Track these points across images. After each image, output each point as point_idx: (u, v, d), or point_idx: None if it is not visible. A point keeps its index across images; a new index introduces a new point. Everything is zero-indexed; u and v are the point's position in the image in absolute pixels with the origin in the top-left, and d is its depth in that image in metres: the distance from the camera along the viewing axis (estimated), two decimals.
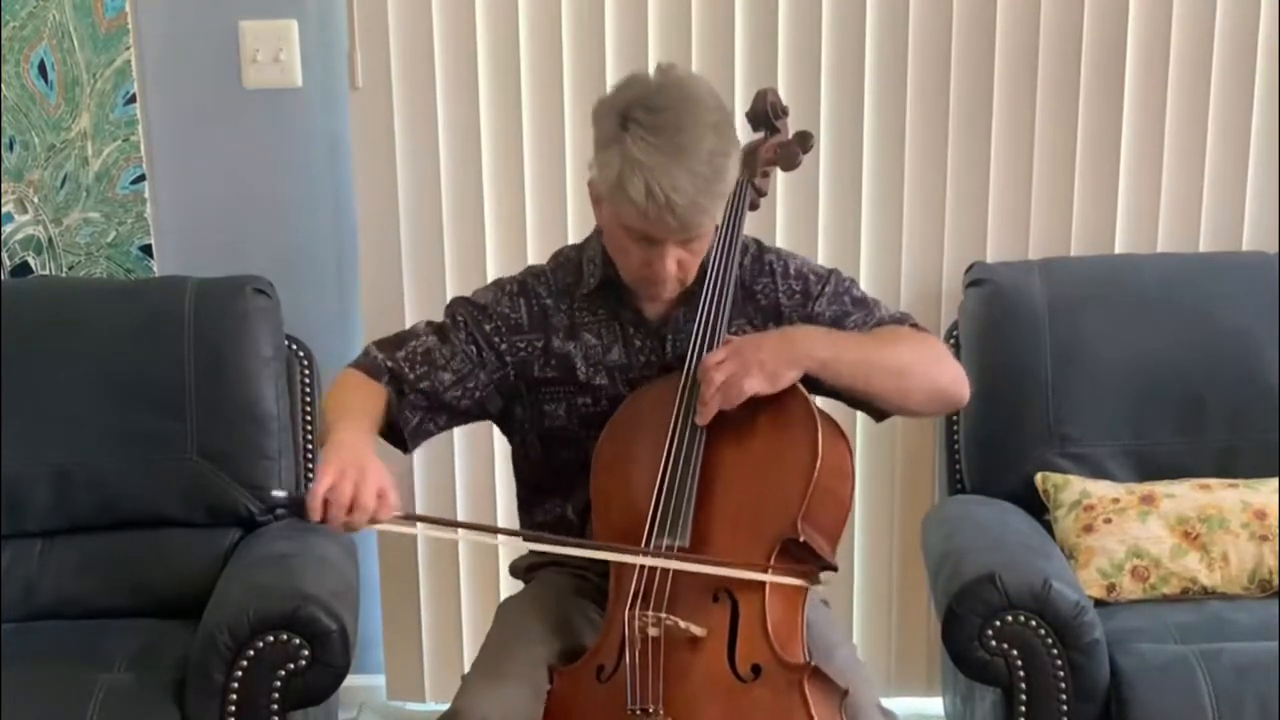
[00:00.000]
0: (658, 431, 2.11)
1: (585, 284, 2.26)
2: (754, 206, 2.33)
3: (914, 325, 2.29)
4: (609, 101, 2.10)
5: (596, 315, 2.26)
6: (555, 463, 2.30)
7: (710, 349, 2.14)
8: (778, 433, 2.10)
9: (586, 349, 2.25)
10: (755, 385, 2.07)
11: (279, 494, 1.91)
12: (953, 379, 2.24)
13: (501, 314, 2.27)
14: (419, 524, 2.03)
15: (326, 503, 1.92)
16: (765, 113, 2.37)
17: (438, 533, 2.15)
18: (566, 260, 2.32)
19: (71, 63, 2.87)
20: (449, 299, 2.37)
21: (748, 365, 2.08)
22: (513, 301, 2.28)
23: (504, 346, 2.25)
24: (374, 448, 2.03)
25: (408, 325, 2.94)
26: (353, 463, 1.94)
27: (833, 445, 2.10)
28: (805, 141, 2.34)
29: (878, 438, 2.94)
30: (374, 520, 1.94)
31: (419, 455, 2.98)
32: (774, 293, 2.27)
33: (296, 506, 1.92)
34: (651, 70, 2.14)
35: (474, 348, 2.25)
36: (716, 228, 2.23)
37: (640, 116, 2.03)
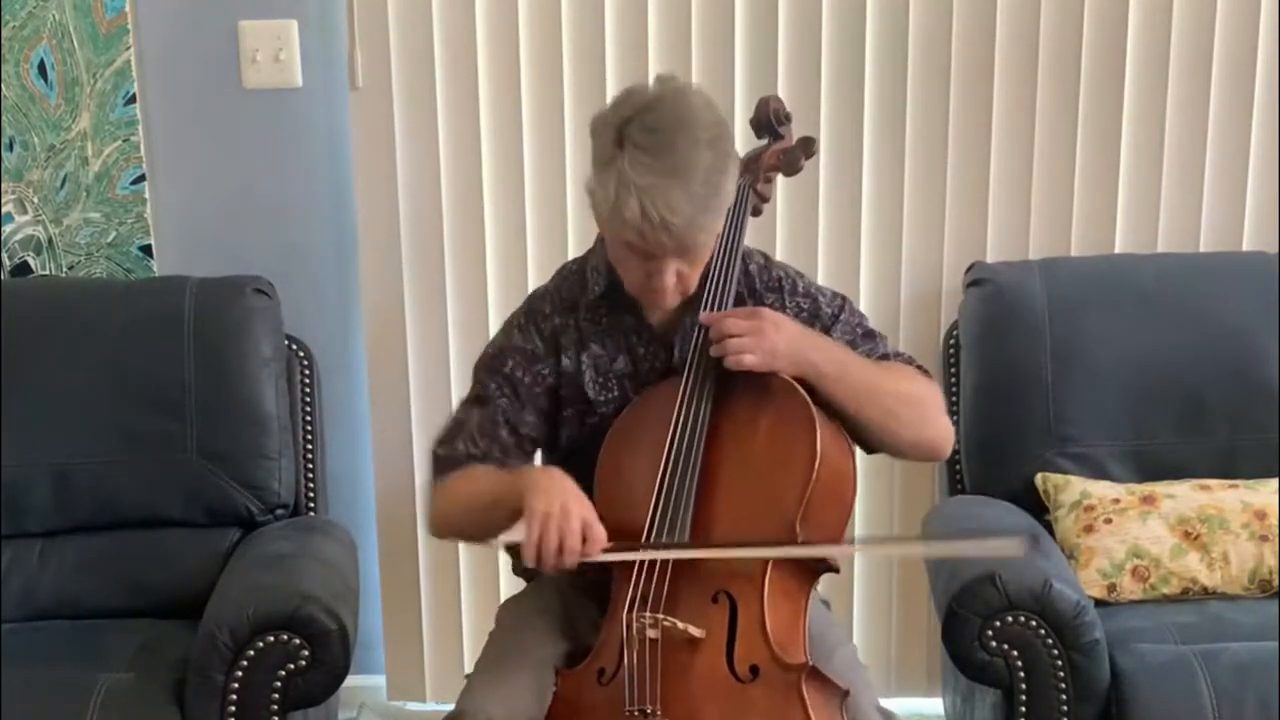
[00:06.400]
0: (658, 435, 2.10)
1: (590, 292, 2.24)
2: (756, 213, 2.33)
3: (920, 368, 2.28)
4: (606, 117, 2.06)
5: (601, 325, 2.25)
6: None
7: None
8: (777, 434, 2.10)
9: (595, 359, 2.24)
10: (753, 362, 2.09)
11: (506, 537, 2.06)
12: (941, 433, 2.22)
13: (516, 348, 2.26)
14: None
15: (539, 554, 1.99)
16: (768, 120, 2.37)
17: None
18: (570, 274, 2.30)
19: (71, 63, 2.87)
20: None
21: (760, 343, 2.09)
22: (524, 333, 2.26)
23: (529, 380, 2.24)
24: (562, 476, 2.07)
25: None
26: (556, 502, 2.00)
27: (833, 448, 2.10)
28: (808, 147, 2.35)
29: None
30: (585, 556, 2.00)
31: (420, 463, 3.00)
32: (781, 308, 2.25)
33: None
34: (651, 80, 2.11)
35: (506, 397, 2.24)
36: (718, 234, 2.23)
37: (636, 136, 2.00)
